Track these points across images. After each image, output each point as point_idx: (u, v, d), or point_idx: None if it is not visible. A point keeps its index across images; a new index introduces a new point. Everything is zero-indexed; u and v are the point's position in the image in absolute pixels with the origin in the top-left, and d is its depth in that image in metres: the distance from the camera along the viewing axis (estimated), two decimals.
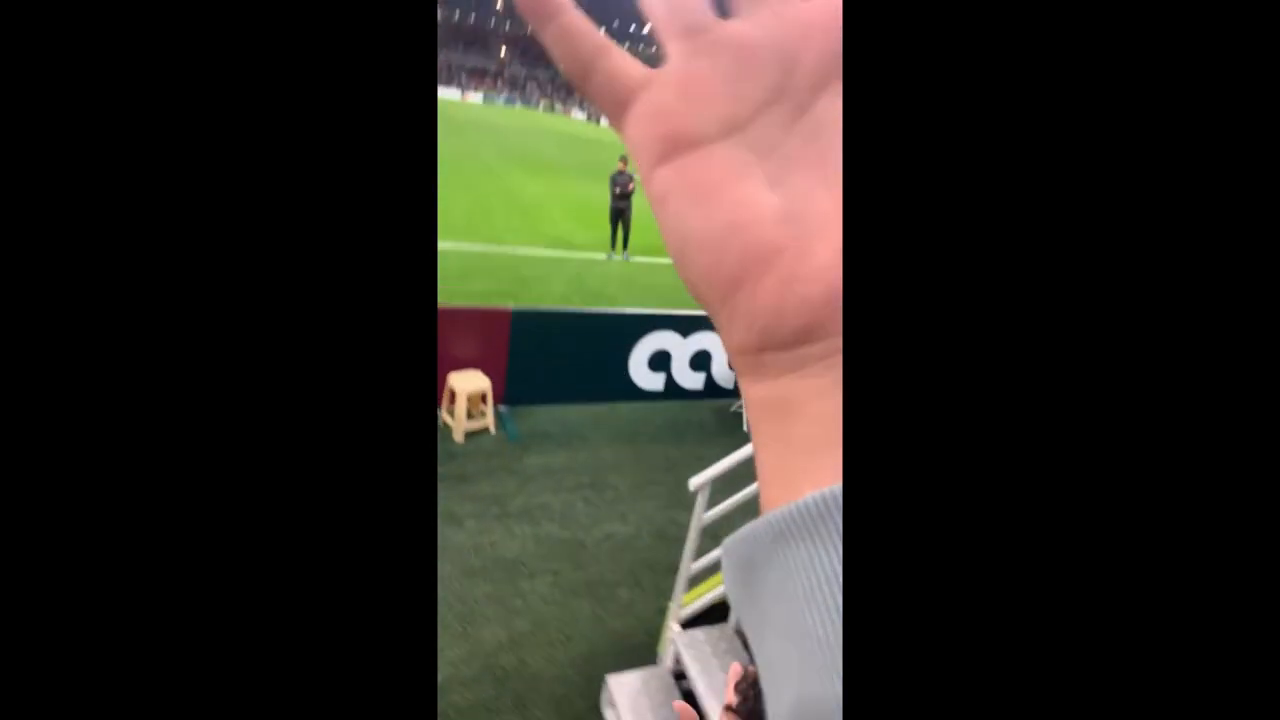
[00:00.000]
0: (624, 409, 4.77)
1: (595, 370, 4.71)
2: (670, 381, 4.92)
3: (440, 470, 3.71)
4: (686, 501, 2.39)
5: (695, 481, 2.22)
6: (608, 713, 2.50)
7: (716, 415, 4.92)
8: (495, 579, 3.06)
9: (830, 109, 0.20)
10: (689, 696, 2.45)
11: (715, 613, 2.58)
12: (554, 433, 4.37)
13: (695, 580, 2.52)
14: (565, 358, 4.57)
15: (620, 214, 9.21)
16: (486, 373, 4.26)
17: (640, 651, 2.77)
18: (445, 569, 3.04)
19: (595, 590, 3.10)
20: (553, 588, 3.07)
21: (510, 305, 4.54)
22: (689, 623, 2.56)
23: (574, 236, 10.12)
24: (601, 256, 9.32)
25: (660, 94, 0.21)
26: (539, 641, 2.78)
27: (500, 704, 2.47)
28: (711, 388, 5.01)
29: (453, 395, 4.13)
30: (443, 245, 7.89)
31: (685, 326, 4.81)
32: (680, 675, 2.54)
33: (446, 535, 3.24)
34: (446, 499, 3.47)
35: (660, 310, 4.95)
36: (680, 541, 2.44)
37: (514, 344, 4.40)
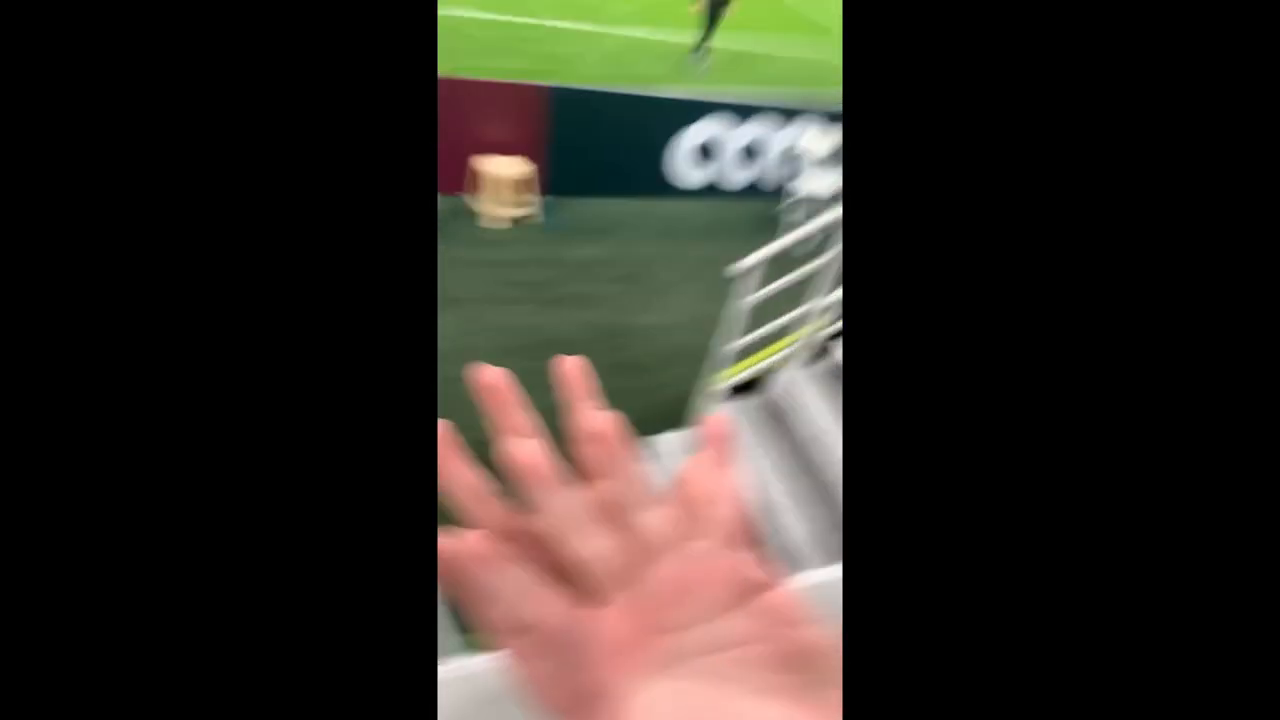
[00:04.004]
0: (663, 207, 4.64)
1: (638, 160, 4.53)
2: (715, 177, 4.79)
3: (479, 256, 3.85)
4: (729, 295, 2.51)
5: (735, 269, 2.30)
6: (654, 465, 2.68)
7: (757, 219, 4.75)
8: (538, 357, 3.21)
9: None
10: None
11: (752, 386, 2.76)
12: (593, 226, 4.37)
13: (741, 355, 2.68)
14: (609, 146, 4.42)
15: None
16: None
17: (678, 422, 2.90)
18: (488, 348, 3.24)
19: (636, 369, 3.28)
20: (597, 365, 3.22)
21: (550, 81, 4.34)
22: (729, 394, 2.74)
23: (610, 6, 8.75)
24: (642, 34, 7.87)
25: None
26: None
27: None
28: (758, 187, 4.90)
29: (475, 179, 4.04)
30: (462, 13, 7.04)
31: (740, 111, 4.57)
32: None
33: (490, 317, 3.44)
34: (491, 284, 3.64)
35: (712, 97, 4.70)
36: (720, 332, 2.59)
37: (556, 128, 4.21)
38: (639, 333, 3.57)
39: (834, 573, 0.63)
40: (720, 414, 0.28)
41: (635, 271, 4.05)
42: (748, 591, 0.24)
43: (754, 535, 0.25)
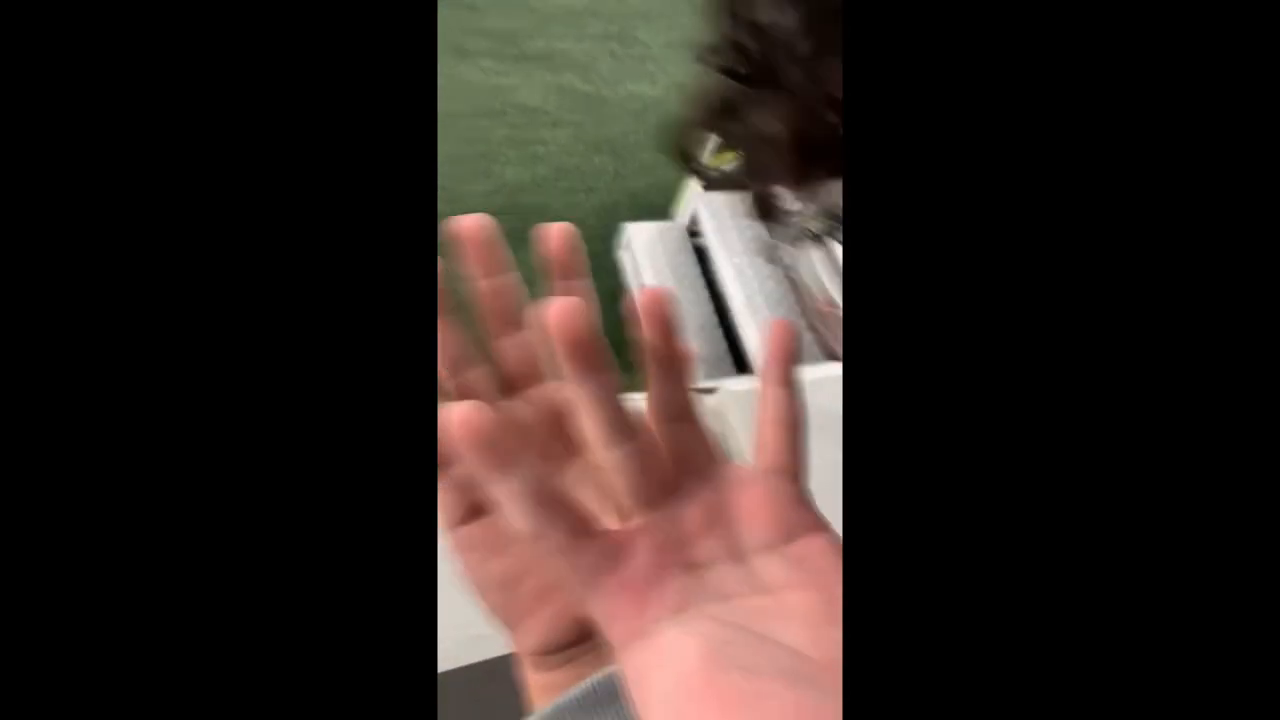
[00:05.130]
0: None
1: None
2: None
3: None
4: None
5: None
6: (624, 255, 2.57)
7: None
8: (515, 124, 2.90)
9: None
10: (700, 252, 2.47)
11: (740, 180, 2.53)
12: None
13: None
14: None
15: None
16: None
17: (657, 211, 2.71)
18: (460, 106, 2.86)
19: (617, 148, 2.95)
20: (574, 140, 2.92)
21: None
22: (710, 186, 2.51)
23: None
24: None
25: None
26: (560, 188, 2.78)
27: (525, 235, 2.44)
28: None
29: None
30: None
31: None
32: (694, 232, 2.53)
33: (459, 71, 2.97)
34: (453, 31, 3.08)
35: None
36: None
37: None
38: (621, 104, 3.15)
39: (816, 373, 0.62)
40: (785, 320, 0.26)
41: (625, 29, 3.50)
42: (791, 531, 0.23)
43: (800, 464, 0.24)
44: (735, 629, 0.20)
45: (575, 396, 0.21)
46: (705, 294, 2.41)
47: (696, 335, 2.35)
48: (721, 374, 2.30)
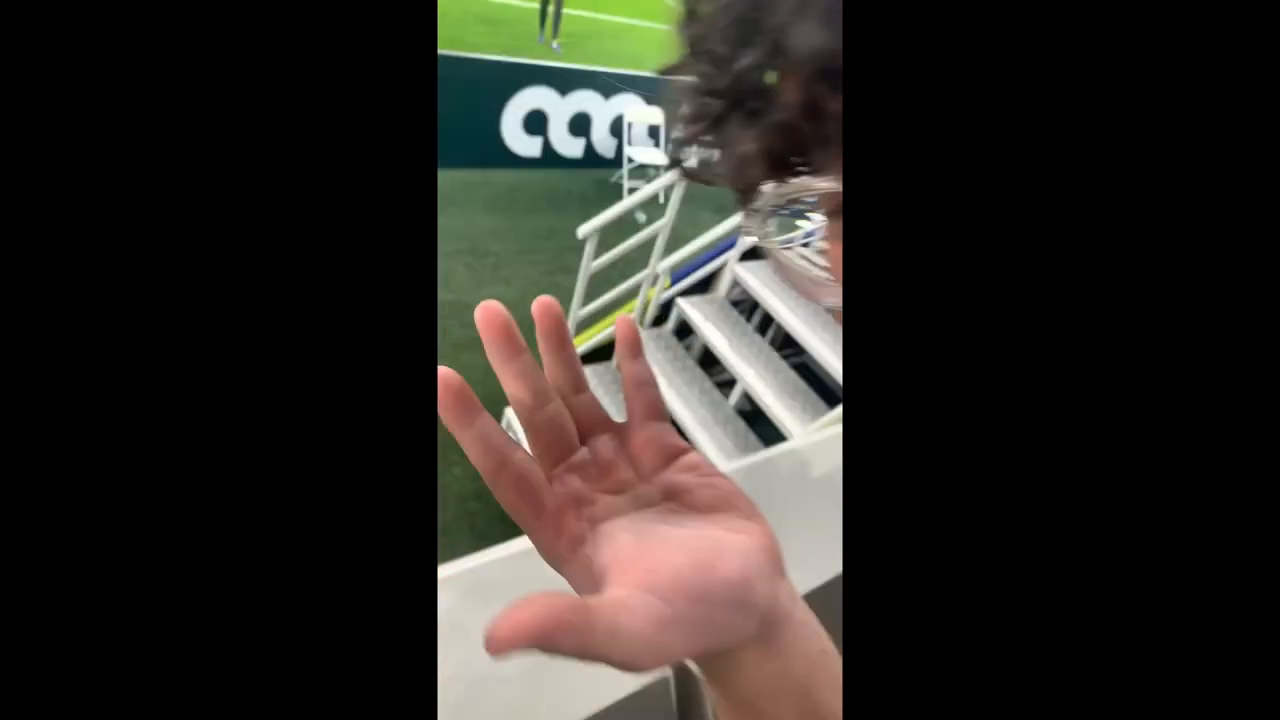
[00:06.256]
0: (498, 176, 4.40)
1: (466, 131, 4.19)
2: (547, 146, 4.62)
3: None
4: (570, 267, 2.44)
5: (584, 230, 2.19)
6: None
7: (596, 186, 4.62)
8: None
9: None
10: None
11: (601, 354, 2.50)
12: None
13: (583, 325, 2.44)
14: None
15: None
16: None
17: None
18: None
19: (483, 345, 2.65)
20: (442, 343, 2.57)
21: None
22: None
23: None
24: None
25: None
26: None
27: None
28: (591, 156, 4.76)
29: None
30: None
31: (562, 83, 4.48)
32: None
33: None
34: None
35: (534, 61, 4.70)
36: (566, 302, 2.30)
37: None
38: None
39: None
40: (627, 316, 0.33)
41: (477, 245, 3.49)
42: (670, 452, 0.29)
43: (664, 409, 0.31)
44: (653, 520, 0.26)
45: (501, 374, 0.27)
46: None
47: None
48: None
